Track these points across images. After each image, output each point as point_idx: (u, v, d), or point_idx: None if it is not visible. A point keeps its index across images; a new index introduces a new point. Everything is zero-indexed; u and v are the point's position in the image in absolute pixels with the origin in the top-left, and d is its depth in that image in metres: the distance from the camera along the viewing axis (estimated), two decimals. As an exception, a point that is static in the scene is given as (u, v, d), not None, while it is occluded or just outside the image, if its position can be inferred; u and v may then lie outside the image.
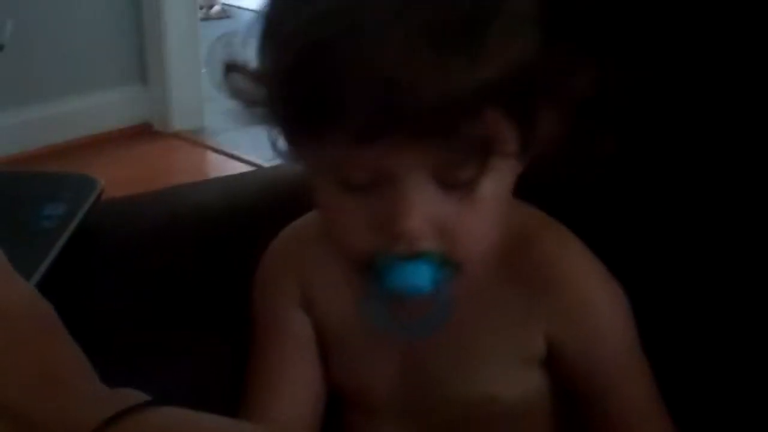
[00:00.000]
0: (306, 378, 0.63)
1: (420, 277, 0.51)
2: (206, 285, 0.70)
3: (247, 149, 2.25)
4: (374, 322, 0.55)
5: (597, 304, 0.60)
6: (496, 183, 0.51)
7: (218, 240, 0.72)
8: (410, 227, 0.49)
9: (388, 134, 0.46)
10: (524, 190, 0.57)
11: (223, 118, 2.64)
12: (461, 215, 0.50)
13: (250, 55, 0.53)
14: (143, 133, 2.51)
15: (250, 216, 0.74)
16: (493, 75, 0.46)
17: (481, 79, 0.46)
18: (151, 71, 2.54)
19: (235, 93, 0.54)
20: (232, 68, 0.54)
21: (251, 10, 3.85)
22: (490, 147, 0.48)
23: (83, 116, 2.38)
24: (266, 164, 0.79)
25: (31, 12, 2.23)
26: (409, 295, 0.51)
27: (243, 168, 2.09)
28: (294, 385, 0.63)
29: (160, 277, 0.69)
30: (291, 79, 0.49)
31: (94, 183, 0.69)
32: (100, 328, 0.64)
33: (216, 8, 3.74)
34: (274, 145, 0.54)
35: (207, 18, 3.50)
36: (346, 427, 0.65)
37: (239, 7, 3.85)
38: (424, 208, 0.49)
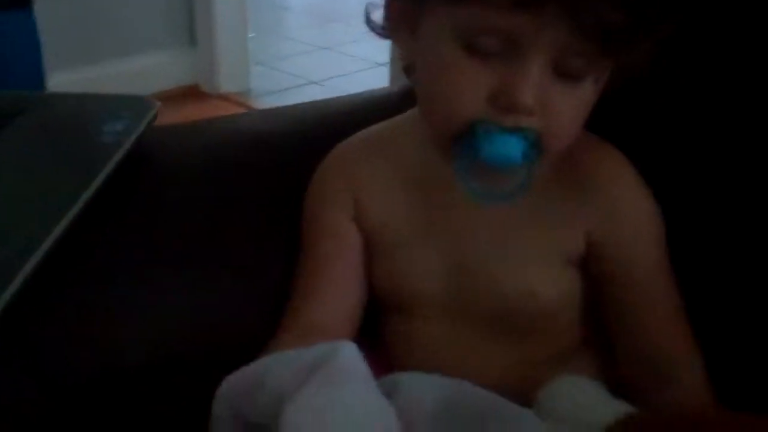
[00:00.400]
0: (350, 283, 0.66)
1: (515, 149, 0.54)
2: (258, 206, 0.73)
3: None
4: (465, 187, 0.56)
5: (634, 211, 0.63)
6: (592, 87, 0.56)
7: (269, 163, 0.75)
8: (524, 101, 0.53)
9: (542, 4, 0.50)
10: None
11: (268, 81, 2.71)
12: (563, 104, 0.55)
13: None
14: (191, 94, 2.56)
15: (301, 142, 0.76)
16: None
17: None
18: (199, 34, 2.58)
19: None
20: None
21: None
22: (609, 46, 0.53)
23: (134, 77, 2.42)
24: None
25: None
26: (501, 164, 0.54)
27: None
28: (337, 289, 0.66)
29: (213, 196, 0.72)
30: None
31: (151, 103, 0.73)
32: (159, 245, 0.68)
33: (263, -25, 3.76)
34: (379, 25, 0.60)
35: (254, -16, 3.52)
36: (385, 329, 0.68)
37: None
38: (538, 87, 0.53)
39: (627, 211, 0.63)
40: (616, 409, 0.55)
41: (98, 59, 2.38)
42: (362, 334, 0.67)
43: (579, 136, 0.61)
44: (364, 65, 2.70)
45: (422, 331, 0.66)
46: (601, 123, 0.62)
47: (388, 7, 0.61)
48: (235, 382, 0.47)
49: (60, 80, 2.24)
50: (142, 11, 2.46)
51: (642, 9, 0.52)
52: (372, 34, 0.63)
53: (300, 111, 0.84)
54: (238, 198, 0.72)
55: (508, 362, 0.64)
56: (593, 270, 0.64)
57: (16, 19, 1.63)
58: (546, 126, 0.55)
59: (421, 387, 0.52)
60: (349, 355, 0.44)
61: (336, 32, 3.06)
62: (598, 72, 0.57)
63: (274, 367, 0.46)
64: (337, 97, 0.87)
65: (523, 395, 0.57)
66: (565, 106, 0.55)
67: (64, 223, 0.58)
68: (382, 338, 0.69)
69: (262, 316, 0.67)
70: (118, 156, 0.65)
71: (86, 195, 0.61)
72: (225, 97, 2.55)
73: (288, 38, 3.19)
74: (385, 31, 0.62)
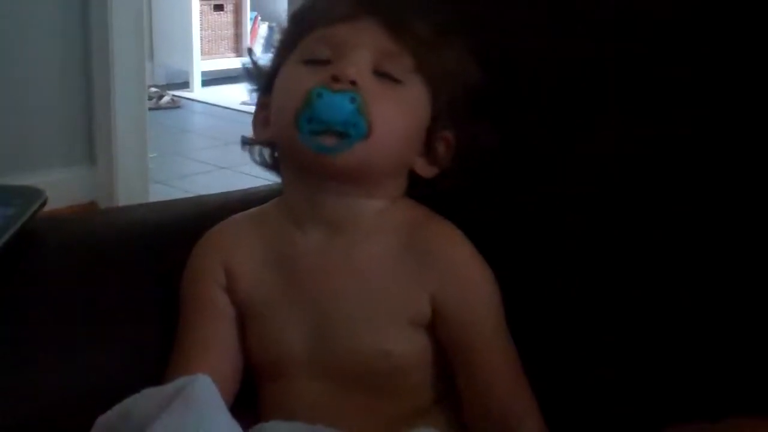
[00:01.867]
0: (222, 353, 0.72)
1: (341, 104, 0.66)
2: (137, 284, 0.79)
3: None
4: (305, 143, 0.67)
5: (475, 282, 0.71)
6: (409, 104, 0.71)
7: (152, 249, 0.81)
8: (347, 72, 0.67)
9: (356, 16, 0.70)
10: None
11: (166, 198, 2.75)
12: (384, 98, 0.68)
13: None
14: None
15: (182, 229, 0.83)
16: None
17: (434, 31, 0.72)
18: (99, 153, 2.62)
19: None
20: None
21: (200, 101, 4.00)
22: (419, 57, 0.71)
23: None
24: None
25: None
26: (331, 117, 0.66)
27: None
28: (208, 358, 0.71)
29: (94, 278, 0.78)
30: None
31: (39, 193, 0.79)
32: (37, 319, 0.73)
33: (166, 98, 3.87)
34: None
35: (156, 107, 3.63)
36: (262, 402, 0.73)
37: (188, 98, 3.99)
38: (360, 68, 0.68)
39: (466, 276, 0.71)
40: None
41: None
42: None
43: (419, 209, 0.72)
44: (260, 182, 2.78)
45: (290, 394, 0.71)
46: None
47: (256, 115, 0.76)
48: (104, 419, 0.53)
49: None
50: (42, 128, 2.49)
51: (443, 25, 0.71)
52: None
53: (183, 204, 0.92)
54: (118, 280, 0.78)
55: (368, 419, 0.69)
56: (440, 333, 0.71)
57: None
58: (368, 109, 0.66)
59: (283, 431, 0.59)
60: (204, 385, 0.50)
61: (235, 153, 3.12)
62: (417, 79, 0.71)
63: (139, 400, 0.51)
64: (216, 194, 0.94)
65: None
66: (386, 100, 0.68)
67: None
68: (258, 406, 0.74)
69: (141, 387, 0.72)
70: (4, 238, 0.71)
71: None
72: (123, 214, 2.58)
73: (188, 158, 3.27)
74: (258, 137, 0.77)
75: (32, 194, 0.78)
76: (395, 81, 0.70)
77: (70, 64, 2.54)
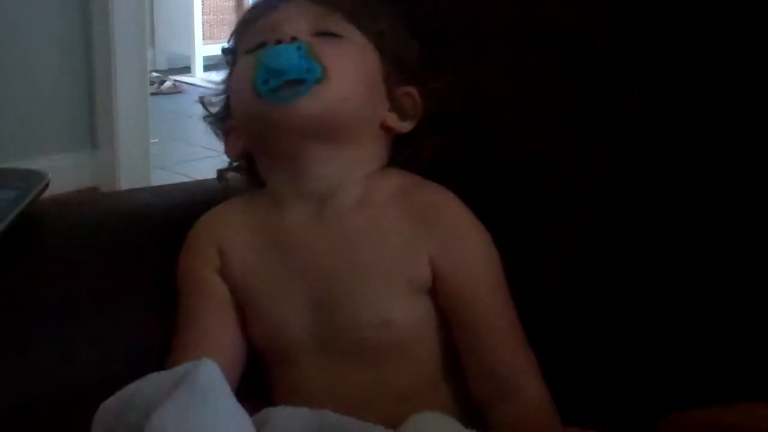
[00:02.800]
0: (221, 337, 0.72)
1: (287, 52, 0.69)
2: (140, 269, 0.78)
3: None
4: (268, 99, 0.69)
5: (474, 241, 0.72)
6: (357, 52, 0.73)
7: (152, 234, 0.81)
8: (285, 28, 0.71)
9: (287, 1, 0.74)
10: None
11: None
12: (332, 48, 0.71)
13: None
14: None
15: (179, 216, 0.83)
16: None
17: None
18: (101, 138, 2.62)
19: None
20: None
21: (201, 86, 3.99)
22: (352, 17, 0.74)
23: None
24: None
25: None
26: (284, 65, 0.68)
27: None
28: (209, 343, 0.71)
29: (97, 261, 0.77)
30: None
31: (41, 175, 0.78)
32: (39, 303, 0.73)
33: (167, 84, 3.86)
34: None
35: (158, 93, 3.62)
36: (272, 386, 0.73)
37: (190, 83, 3.98)
38: (300, 28, 0.71)
39: (465, 234, 0.71)
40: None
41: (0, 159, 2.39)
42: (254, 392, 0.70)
43: (410, 177, 0.73)
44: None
45: (299, 377, 0.70)
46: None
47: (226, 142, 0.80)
48: (108, 405, 0.52)
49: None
50: (44, 113, 2.50)
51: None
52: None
53: (186, 188, 0.91)
54: (120, 261, 0.77)
55: (374, 395, 0.69)
56: (440, 295, 0.70)
57: None
58: (321, 58, 0.69)
59: (289, 417, 0.58)
60: (209, 370, 0.49)
61: (238, 138, 3.14)
62: (357, 33, 0.74)
63: (143, 386, 0.51)
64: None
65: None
66: (333, 48, 0.71)
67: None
68: (268, 392, 0.73)
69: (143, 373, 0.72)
70: (6, 222, 0.70)
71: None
72: (125, 200, 2.58)
73: (191, 144, 3.26)
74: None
75: (35, 177, 0.78)
76: (336, 36, 0.73)
77: (72, 49, 2.53)
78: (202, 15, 4.26)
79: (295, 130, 0.69)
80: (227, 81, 0.79)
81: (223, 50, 0.80)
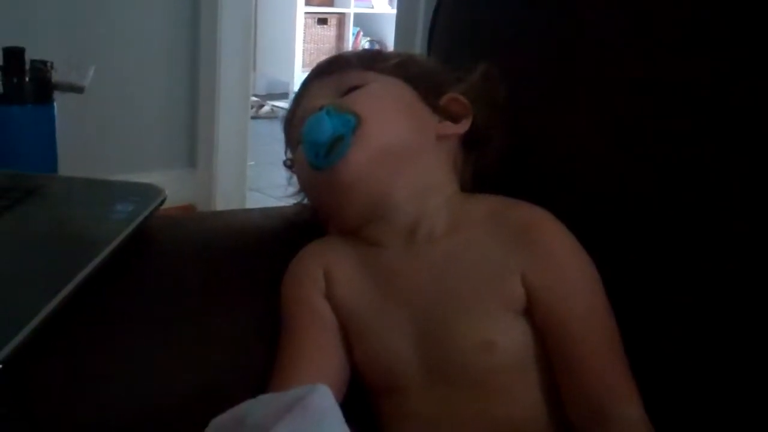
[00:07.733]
0: (327, 359, 0.71)
1: (320, 117, 0.71)
2: (247, 287, 0.79)
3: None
4: (322, 166, 0.71)
5: (565, 258, 0.70)
6: (381, 88, 0.75)
7: (258, 252, 0.82)
8: (313, 104, 0.75)
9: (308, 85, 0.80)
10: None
11: (262, 206, 2.79)
12: (355, 96, 0.74)
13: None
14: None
15: (289, 237, 0.83)
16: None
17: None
18: (200, 157, 2.69)
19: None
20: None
21: (299, 113, 4.04)
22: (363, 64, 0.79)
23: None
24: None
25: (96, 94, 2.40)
26: (321, 129, 0.71)
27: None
28: (312, 364, 0.71)
29: (206, 278, 0.78)
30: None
31: (159, 191, 0.80)
32: (147, 312, 0.74)
33: (265, 108, 3.94)
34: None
35: (256, 116, 3.69)
36: (379, 414, 0.72)
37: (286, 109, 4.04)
38: (324, 99, 0.75)
39: (556, 252, 0.69)
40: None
41: (103, 173, 2.44)
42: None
43: (502, 199, 0.73)
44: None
45: (406, 406, 0.70)
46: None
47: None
48: (219, 423, 0.52)
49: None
50: (148, 131, 2.57)
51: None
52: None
53: (294, 211, 0.92)
54: (226, 279, 0.78)
55: (480, 426, 0.67)
56: (536, 316, 0.68)
57: (40, 112, 1.78)
58: (350, 107, 0.72)
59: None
60: (323, 395, 0.49)
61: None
62: (374, 75, 0.77)
63: (254, 407, 0.50)
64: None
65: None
66: (358, 95, 0.74)
67: (70, 286, 0.63)
68: (377, 422, 0.73)
69: (247, 388, 0.72)
70: (124, 234, 0.72)
71: (93, 265, 0.66)
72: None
73: (284, 168, 3.31)
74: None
75: (152, 192, 0.80)
76: (358, 86, 0.75)
77: (179, 70, 2.61)
78: (303, 43, 4.34)
79: (357, 179, 0.71)
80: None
81: (285, 163, 0.85)
